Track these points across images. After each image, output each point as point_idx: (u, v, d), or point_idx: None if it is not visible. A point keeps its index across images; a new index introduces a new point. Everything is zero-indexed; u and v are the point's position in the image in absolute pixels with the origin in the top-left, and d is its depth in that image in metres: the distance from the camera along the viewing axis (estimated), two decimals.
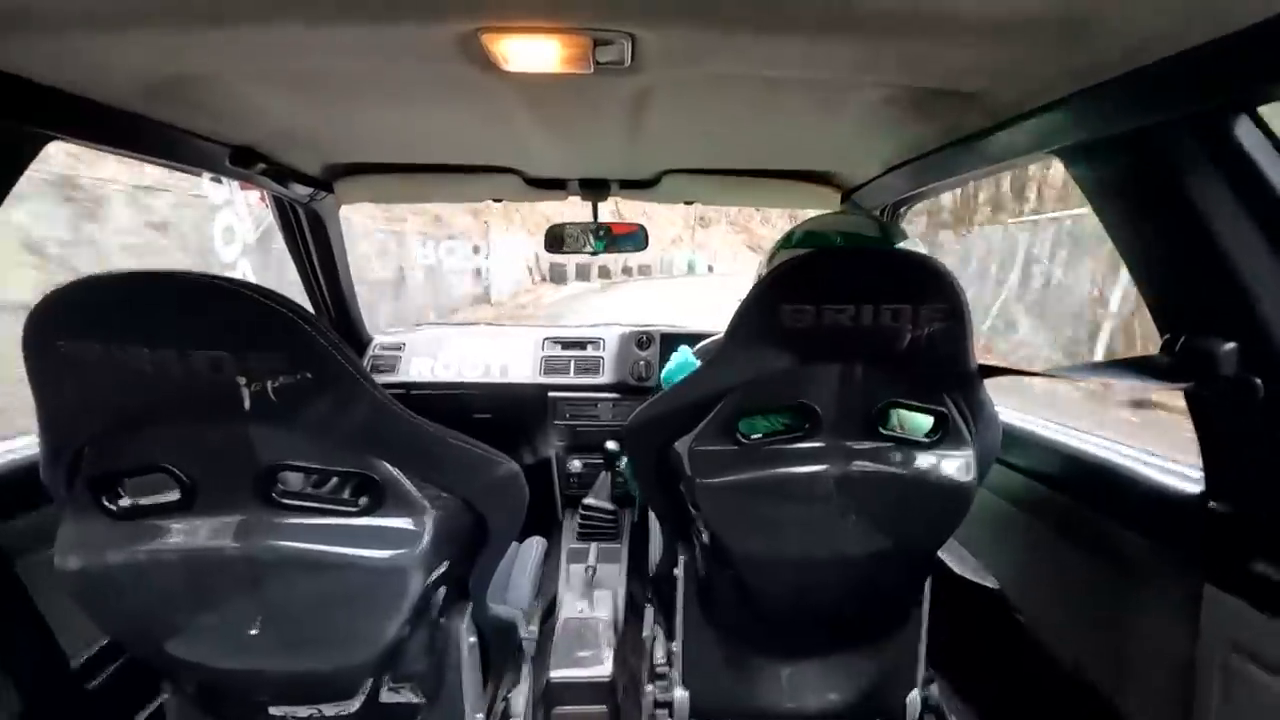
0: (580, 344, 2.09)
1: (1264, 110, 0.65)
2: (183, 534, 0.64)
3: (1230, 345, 0.68)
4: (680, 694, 1.09)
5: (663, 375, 1.30)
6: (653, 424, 0.92)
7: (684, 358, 1.24)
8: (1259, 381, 0.67)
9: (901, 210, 1.61)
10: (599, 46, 0.70)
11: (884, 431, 0.82)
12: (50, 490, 0.65)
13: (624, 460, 1.63)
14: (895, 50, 0.73)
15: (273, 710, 0.81)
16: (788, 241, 0.98)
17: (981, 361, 0.83)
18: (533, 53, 0.72)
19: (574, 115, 1.08)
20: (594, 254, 1.82)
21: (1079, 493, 1.04)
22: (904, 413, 0.88)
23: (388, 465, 0.67)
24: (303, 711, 0.81)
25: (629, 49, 0.70)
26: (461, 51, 0.73)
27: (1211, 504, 0.79)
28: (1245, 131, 0.64)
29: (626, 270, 21.57)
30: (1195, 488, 0.83)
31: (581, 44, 0.69)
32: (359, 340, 2.08)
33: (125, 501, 0.64)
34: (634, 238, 1.84)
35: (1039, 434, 1.16)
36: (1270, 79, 0.59)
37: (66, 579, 0.64)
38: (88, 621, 0.68)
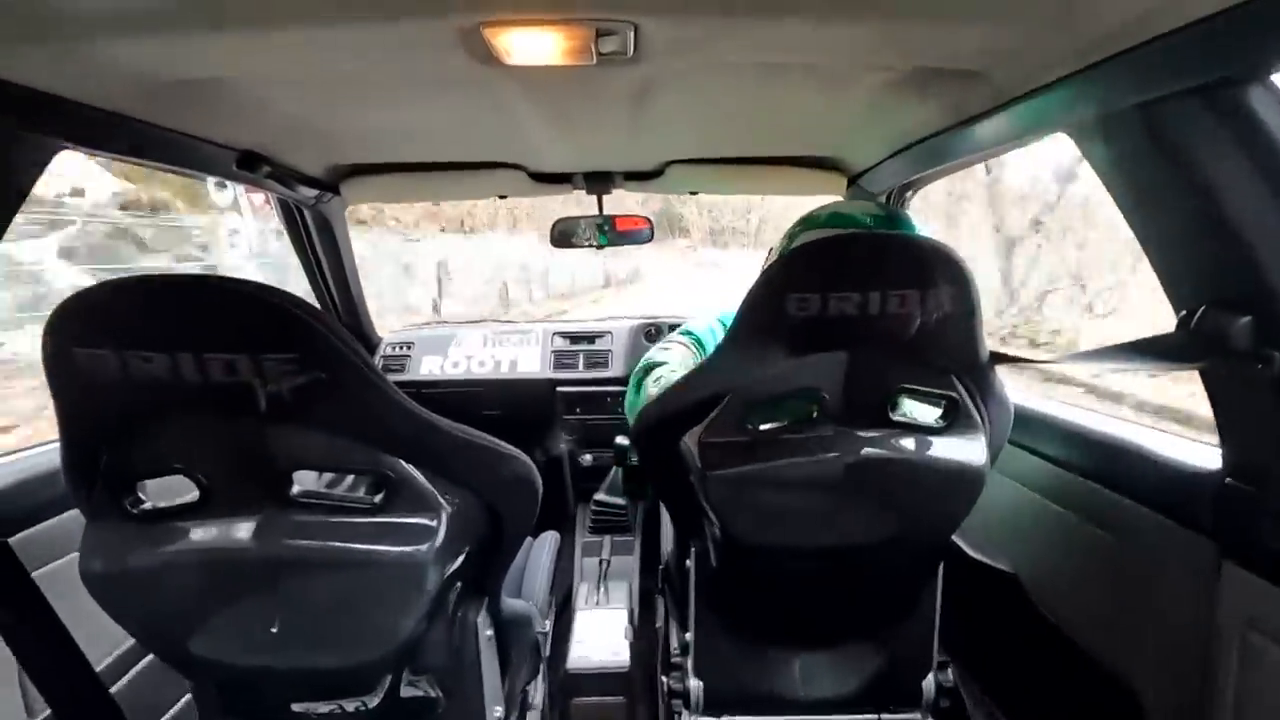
0: (589, 338, 2.09)
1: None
2: (202, 535, 0.65)
3: (1245, 319, 0.67)
4: (694, 684, 1.10)
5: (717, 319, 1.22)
6: (661, 421, 0.92)
7: (726, 315, 1.19)
8: (1276, 355, 0.66)
9: (908, 194, 1.59)
10: (601, 37, 0.70)
11: (894, 418, 0.82)
12: (71, 494, 0.66)
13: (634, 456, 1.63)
14: (898, 31, 0.72)
15: (294, 707, 0.82)
16: (813, 223, 0.95)
17: (992, 349, 0.83)
18: (535, 45, 0.72)
19: (577, 108, 1.07)
20: (600, 248, 1.82)
21: (1092, 473, 1.03)
22: (914, 399, 0.87)
23: (402, 463, 0.67)
24: (324, 708, 0.82)
25: (631, 39, 0.70)
26: (464, 47, 0.73)
27: (1229, 480, 0.79)
28: (1259, 101, 0.63)
29: None
30: (1212, 465, 0.82)
31: (584, 35, 0.69)
32: (368, 340, 2.10)
33: (146, 504, 0.65)
34: (639, 233, 1.82)
35: (1052, 415, 1.15)
36: None
37: (90, 582, 0.65)
38: (108, 626, 0.69)
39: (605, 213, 1.78)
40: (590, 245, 1.80)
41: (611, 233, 1.78)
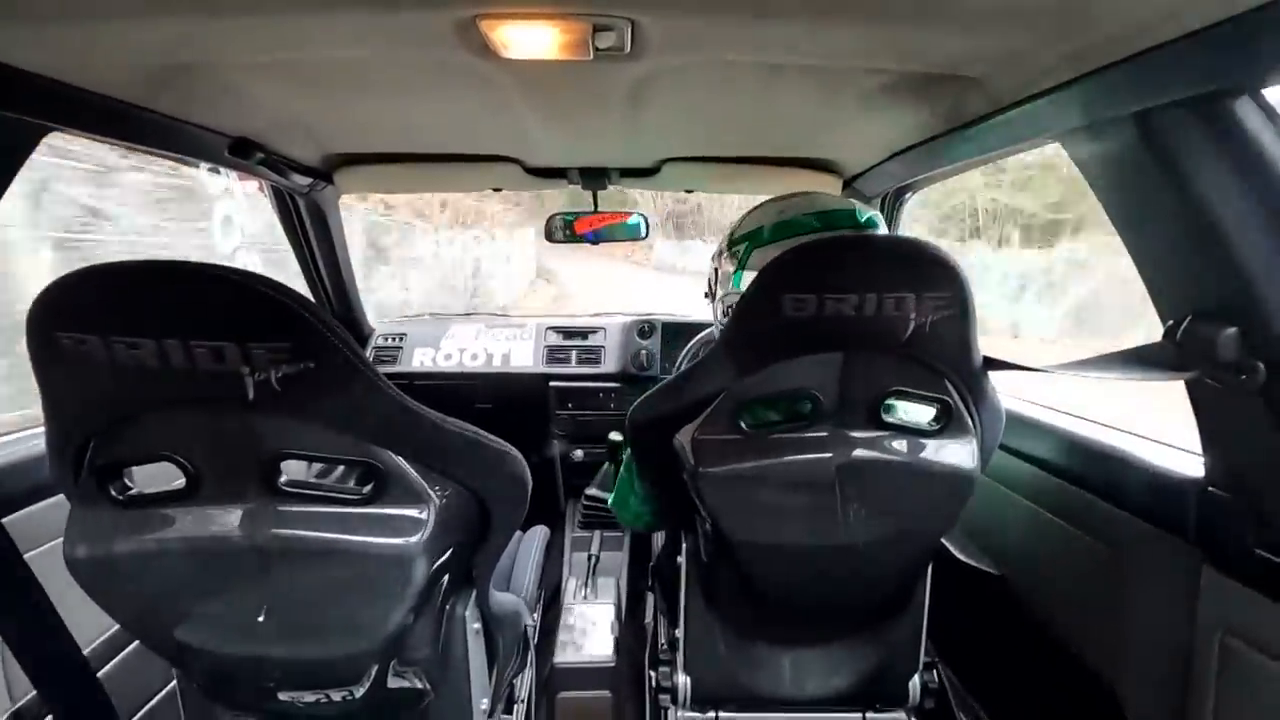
0: (582, 333, 2.09)
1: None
2: (189, 522, 0.65)
3: (1231, 330, 0.68)
4: (682, 679, 1.10)
5: None
6: (656, 418, 0.92)
7: None
8: (1260, 366, 0.67)
9: (905, 197, 1.60)
10: (598, 32, 0.69)
11: (887, 420, 0.82)
12: (57, 480, 0.66)
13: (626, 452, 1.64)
14: (896, 35, 0.73)
15: (280, 696, 0.82)
16: (759, 238, 0.92)
17: (985, 354, 0.83)
18: (531, 39, 0.72)
19: (574, 103, 1.07)
20: (595, 243, 1.82)
21: (1078, 478, 1.04)
22: (907, 401, 0.88)
23: (391, 454, 0.67)
24: (309, 697, 0.82)
25: (628, 35, 0.70)
26: (460, 39, 0.72)
27: (1210, 488, 0.80)
28: (1248, 114, 0.64)
29: None
30: (1195, 473, 0.83)
31: (580, 30, 0.69)
32: (360, 331, 2.09)
33: (132, 490, 0.65)
34: (630, 226, 1.82)
35: (1040, 420, 1.16)
36: (1273, 62, 0.58)
37: (75, 568, 0.65)
38: (97, 610, 0.69)
39: (595, 209, 1.77)
40: (569, 240, 1.80)
41: (600, 228, 1.78)
